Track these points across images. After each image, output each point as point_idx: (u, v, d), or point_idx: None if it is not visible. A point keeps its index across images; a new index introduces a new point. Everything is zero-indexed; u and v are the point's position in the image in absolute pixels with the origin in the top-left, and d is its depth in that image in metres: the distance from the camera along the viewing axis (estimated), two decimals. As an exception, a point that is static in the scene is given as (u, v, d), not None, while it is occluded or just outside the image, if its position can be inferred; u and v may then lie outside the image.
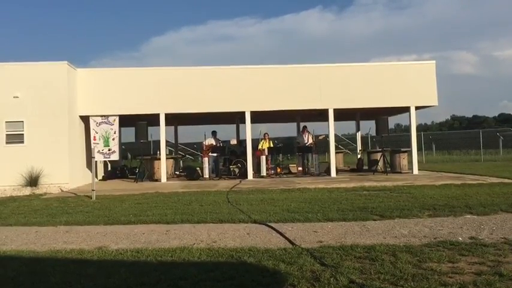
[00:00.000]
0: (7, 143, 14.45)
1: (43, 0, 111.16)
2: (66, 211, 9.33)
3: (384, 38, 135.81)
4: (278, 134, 26.74)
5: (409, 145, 16.91)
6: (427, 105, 17.08)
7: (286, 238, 6.15)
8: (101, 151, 15.91)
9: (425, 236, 6.04)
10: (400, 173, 16.83)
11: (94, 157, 12.59)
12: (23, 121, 14.53)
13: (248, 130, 16.48)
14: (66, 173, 14.58)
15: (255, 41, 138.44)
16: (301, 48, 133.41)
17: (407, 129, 17.92)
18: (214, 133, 18.07)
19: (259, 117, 17.39)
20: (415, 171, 16.59)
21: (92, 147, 14.54)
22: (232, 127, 21.94)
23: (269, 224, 7.14)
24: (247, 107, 16.29)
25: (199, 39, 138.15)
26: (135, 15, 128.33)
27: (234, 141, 19.76)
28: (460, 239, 5.84)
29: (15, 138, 14.48)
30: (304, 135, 17.52)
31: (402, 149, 17.65)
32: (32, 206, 10.31)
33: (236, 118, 19.77)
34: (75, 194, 12.71)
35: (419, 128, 33.00)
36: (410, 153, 16.99)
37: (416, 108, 16.90)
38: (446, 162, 25.46)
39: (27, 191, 13.66)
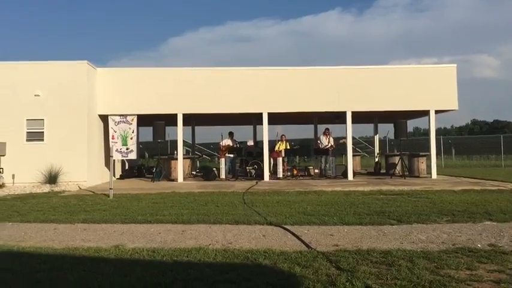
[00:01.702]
0: (27, 140, 14.71)
1: (64, 1, 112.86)
2: (84, 209, 9.45)
3: (403, 40, 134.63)
4: (295, 136, 26.69)
5: (428, 149, 16.71)
6: (447, 109, 16.85)
7: (301, 241, 6.13)
8: (119, 150, 16.07)
9: (444, 242, 5.96)
10: (418, 177, 16.65)
11: (112, 156, 12.72)
12: (43, 119, 14.77)
13: (265, 131, 16.47)
14: (85, 171, 14.77)
15: (273, 42, 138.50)
16: (319, 50, 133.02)
17: (426, 132, 17.71)
18: (231, 134, 18.11)
19: (276, 118, 17.36)
20: (434, 175, 16.37)
21: (111, 146, 14.70)
22: (249, 128, 21.97)
23: (285, 226, 7.12)
24: (265, 108, 16.28)
25: (217, 40, 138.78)
26: (154, 15, 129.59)
27: (250, 142, 19.78)
28: (479, 245, 5.74)
29: (36, 136, 14.72)
30: (325, 138, 17.45)
31: (421, 153, 17.46)
32: (51, 203, 10.46)
33: (253, 119, 19.78)
34: (93, 192, 12.86)
35: (439, 132, 32.57)
36: (429, 157, 16.79)
37: (436, 112, 16.68)
38: (465, 167, 25.10)
39: (46, 188, 13.86)
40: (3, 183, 13.81)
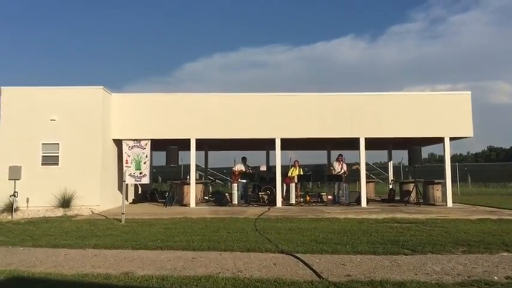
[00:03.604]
0: (42, 164, 14.84)
1: (80, 26, 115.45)
2: (95, 234, 9.46)
3: (417, 66, 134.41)
4: (308, 161, 26.58)
5: (443, 176, 16.48)
6: (461, 136, 16.67)
7: (313, 270, 6.03)
8: (133, 174, 16.15)
9: (459, 274, 5.81)
10: (434, 205, 16.39)
11: (125, 180, 12.77)
12: (58, 143, 14.93)
13: (278, 157, 16.43)
14: (98, 196, 14.82)
15: (286, 67, 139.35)
16: (332, 76, 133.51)
17: (442, 159, 17.48)
18: (244, 159, 18.10)
19: (289, 144, 17.35)
20: (449, 203, 16.11)
21: (124, 170, 14.77)
22: (262, 153, 21.96)
23: (296, 254, 7.02)
24: (278, 134, 16.30)
25: (231, 66, 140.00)
26: (169, 41, 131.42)
27: (263, 168, 19.74)
28: (496, 278, 5.59)
29: (51, 160, 14.86)
30: (338, 164, 17.34)
31: (436, 180, 17.21)
32: (63, 228, 10.50)
33: (266, 145, 19.78)
34: (105, 216, 12.88)
35: (454, 158, 32.18)
36: (444, 184, 16.54)
37: (451, 139, 16.49)
38: (482, 195, 24.66)
39: (60, 212, 13.92)
40: (17, 207, 13.90)
